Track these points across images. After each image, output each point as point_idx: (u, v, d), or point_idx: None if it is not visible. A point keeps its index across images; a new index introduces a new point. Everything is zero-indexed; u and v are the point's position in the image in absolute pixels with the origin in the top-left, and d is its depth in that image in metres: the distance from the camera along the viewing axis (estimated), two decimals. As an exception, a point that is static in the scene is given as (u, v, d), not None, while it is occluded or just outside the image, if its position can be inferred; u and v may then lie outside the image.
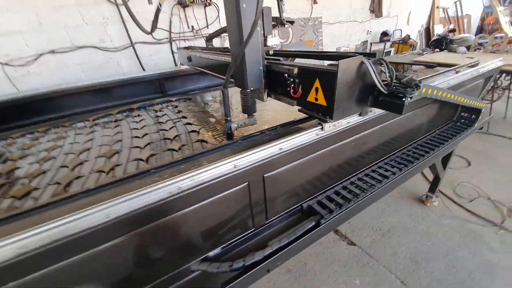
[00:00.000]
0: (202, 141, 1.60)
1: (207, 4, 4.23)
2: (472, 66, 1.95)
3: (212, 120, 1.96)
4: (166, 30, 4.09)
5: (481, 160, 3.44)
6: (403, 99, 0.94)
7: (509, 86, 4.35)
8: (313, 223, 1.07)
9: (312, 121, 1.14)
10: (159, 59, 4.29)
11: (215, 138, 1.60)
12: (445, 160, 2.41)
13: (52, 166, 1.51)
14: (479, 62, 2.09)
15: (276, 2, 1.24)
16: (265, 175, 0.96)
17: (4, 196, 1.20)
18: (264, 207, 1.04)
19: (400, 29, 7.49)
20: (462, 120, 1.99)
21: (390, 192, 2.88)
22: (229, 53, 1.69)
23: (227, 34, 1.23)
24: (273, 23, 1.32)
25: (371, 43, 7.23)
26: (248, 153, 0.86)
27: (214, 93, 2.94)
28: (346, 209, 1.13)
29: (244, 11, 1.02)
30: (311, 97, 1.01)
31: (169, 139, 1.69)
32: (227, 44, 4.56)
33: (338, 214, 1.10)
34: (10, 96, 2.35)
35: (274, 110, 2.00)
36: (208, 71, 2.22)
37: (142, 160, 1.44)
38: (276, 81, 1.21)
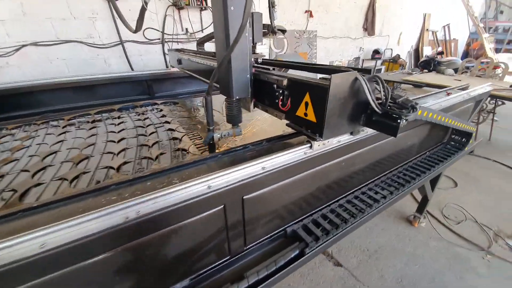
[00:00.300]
0: (183, 150, 1.48)
1: (203, 8, 4.18)
2: (463, 89, 1.94)
3: (198, 127, 1.84)
4: (158, 31, 3.99)
5: (467, 181, 3.46)
6: (398, 120, 0.86)
7: (493, 109, 4.49)
8: (297, 252, 0.96)
9: (301, 137, 1.05)
10: (149, 60, 4.16)
11: (197, 148, 1.48)
12: (434, 181, 2.38)
13: (12, 169, 1.34)
14: (469, 85, 2.10)
15: (268, 9, 1.17)
16: (244, 197, 0.84)
17: None
18: (242, 232, 0.92)
19: (391, 49, 7.72)
20: (453, 143, 1.97)
21: (378, 211, 2.86)
22: (218, 58, 1.59)
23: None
24: (264, 30, 1.24)
25: (363, 60, 7.39)
26: (225, 172, 0.75)
27: (202, 98, 2.83)
28: (334, 236, 1.03)
29: (232, 14, 0.93)
30: (300, 112, 0.92)
31: (147, 145, 1.56)
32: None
33: (325, 242, 1.00)
34: None
35: (263, 121, 1.91)
36: (196, 76, 2.12)
37: (113, 168, 1.30)
38: (264, 91, 1.12)
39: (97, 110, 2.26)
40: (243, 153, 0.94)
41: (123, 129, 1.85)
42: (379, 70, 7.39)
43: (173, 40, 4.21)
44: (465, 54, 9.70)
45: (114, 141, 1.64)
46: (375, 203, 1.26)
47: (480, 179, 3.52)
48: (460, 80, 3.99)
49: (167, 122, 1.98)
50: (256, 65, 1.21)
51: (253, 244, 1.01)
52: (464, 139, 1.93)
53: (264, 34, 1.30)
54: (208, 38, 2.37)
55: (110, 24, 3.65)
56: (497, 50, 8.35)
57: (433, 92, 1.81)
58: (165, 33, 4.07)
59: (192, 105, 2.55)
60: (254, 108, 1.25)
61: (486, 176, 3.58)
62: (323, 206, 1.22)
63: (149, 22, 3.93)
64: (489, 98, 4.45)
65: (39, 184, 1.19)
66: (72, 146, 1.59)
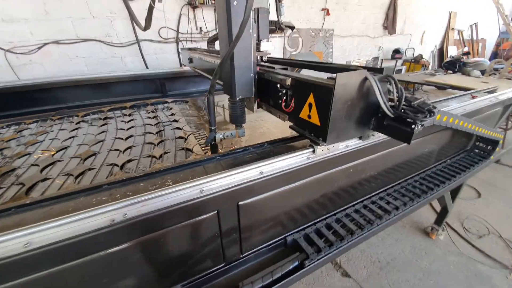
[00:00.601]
0: (187, 149, 1.46)
1: (218, 7, 4.18)
2: (490, 92, 1.77)
3: (206, 126, 1.82)
4: (173, 30, 4.04)
5: (491, 192, 3.20)
6: (413, 126, 0.78)
7: (525, 115, 4.13)
8: (296, 264, 0.90)
9: (305, 140, 0.98)
10: (164, 58, 4.22)
11: (202, 147, 1.46)
12: (455, 192, 2.21)
13: (23, 163, 1.39)
14: (497, 88, 1.92)
15: (275, 3, 1.11)
16: (240, 203, 0.80)
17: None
18: (238, 240, 0.87)
19: (413, 48, 7.36)
20: (477, 151, 1.81)
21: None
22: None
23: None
24: (272, 27, 1.19)
25: (382, 60, 7.09)
26: (219, 176, 0.71)
27: (215, 97, 2.81)
28: (337, 249, 0.96)
29: (235, 9, 0.89)
30: (303, 114, 0.86)
31: (153, 143, 1.56)
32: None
33: (327, 254, 0.93)
34: (4, 84, 2.27)
35: (271, 122, 1.85)
36: (206, 74, 2.10)
37: (117, 165, 1.31)
38: (269, 91, 1.06)
39: (110, 107, 2.31)
40: (243, 155, 0.90)
41: (132, 127, 1.87)
42: (399, 71, 7.06)
43: (187, 39, 4.25)
44: (494, 55, 9.05)
45: (122, 138, 1.65)
46: (386, 214, 1.17)
47: (506, 190, 3.24)
48: (487, 83, 3.70)
49: (175, 120, 1.98)
50: (261, 63, 1.16)
51: (250, 252, 0.96)
52: (489, 146, 1.76)
53: (272, 31, 1.25)
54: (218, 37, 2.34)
55: (127, 23, 3.74)
56: (531, 51, 7.73)
57: (456, 95, 1.67)
58: (180, 32, 4.11)
59: (201, 104, 2.54)
60: (258, 108, 1.20)
61: (512, 187, 3.30)
62: (328, 215, 1.14)
63: (164, 21, 3.99)
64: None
65: (46, 179, 1.21)
66: (82, 142, 1.63)
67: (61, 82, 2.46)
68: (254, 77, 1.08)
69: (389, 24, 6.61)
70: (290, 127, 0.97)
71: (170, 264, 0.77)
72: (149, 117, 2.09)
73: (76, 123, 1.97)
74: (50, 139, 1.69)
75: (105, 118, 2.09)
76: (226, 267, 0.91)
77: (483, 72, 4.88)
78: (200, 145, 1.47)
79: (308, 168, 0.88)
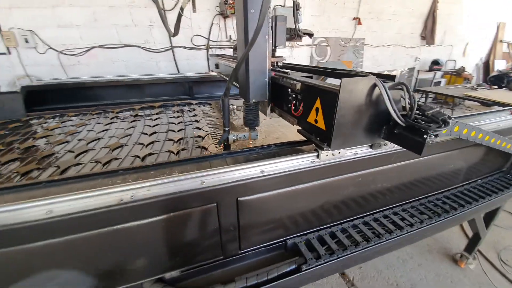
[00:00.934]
0: (203, 147, 1.54)
1: (248, 17, 4.34)
2: (537, 109, 1.59)
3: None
4: (204, 37, 4.28)
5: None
6: (425, 136, 0.74)
7: None
8: (293, 267, 0.89)
9: (311, 145, 0.99)
10: (194, 64, 4.48)
11: (216, 147, 1.52)
12: (490, 217, 1.99)
13: (61, 150, 1.57)
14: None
15: (292, 11, 1.14)
16: (239, 199, 0.83)
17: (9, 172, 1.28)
18: (237, 235, 0.89)
19: (454, 60, 6.85)
20: (515, 172, 1.62)
21: (413, 244, 2.51)
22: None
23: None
24: (290, 34, 1.22)
25: (418, 71, 6.69)
26: (220, 170, 0.75)
27: (236, 101, 2.91)
28: (338, 258, 0.93)
29: (252, 17, 0.94)
30: (311, 118, 0.87)
31: (173, 140, 1.67)
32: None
33: (326, 262, 0.91)
34: (55, 81, 2.61)
35: (287, 127, 1.87)
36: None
37: (139, 157, 1.42)
38: (282, 96, 1.09)
39: (141, 106, 2.51)
40: (249, 155, 0.93)
41: (157, 124, 2.01)
42: (438, 83, 6.61)
43: (217, 46, 4.47)
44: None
45: (147, 134, 1.79)
46: (398, 230, 1.10)
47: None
48: (539, 100, 3.31)
49: (196, 121, 2.09)
50: (277, 69, 1.20)
51: (249, 250, 0.97)
52: (532, 169, 1.57)
53: (291, 38, 1.28)
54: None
55: (164, 31, 4.05)
56: None
57: (492, 110, 1.53)
58: (210, 40, 4.35)
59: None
60: (271, 112, 1.23)
61: None
62: (334, 224, 1.11)
63: (197, 30, 4.26)
64: None
65: (78, 164, 1.36)
66: (113, 135, 1.79)
67: (102, 81, 2.75)
68: (268, 82, 1.11)
69: (428, 34, 6.25)
70: (298, 131, 0.99)
71: (171, 249, 0.83)
72: (173, 117, 2.23)
73: (111, 118, 2.18)
74: (87, 131, 1.89)
75: (136, 115, 2.28)
76: (224, 260, 0.93)
77: (535, 90, 4.37)
78: (215, 144, 1.54)
79: (312, 172, 0.88)
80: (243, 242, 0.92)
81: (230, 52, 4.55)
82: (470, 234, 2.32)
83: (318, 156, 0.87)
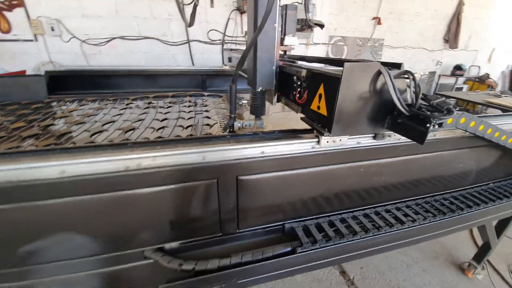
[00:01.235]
0: (210, 134, 1.58)
1: (265, 13, 4.36)
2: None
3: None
4: (220, 32, 4.33)
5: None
6: (427, 125, 0.74)
7: None
8: (288, 249, 0.91)
9: (314, 133, 0.99)
10: (209, 58, 4.55)
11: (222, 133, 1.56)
12: (502, 226, 1.91)
13: (77, 129, 1.67)
14: None
15: (303, 1, 1.16)
16: (239, 177, 0.85)
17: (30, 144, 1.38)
18: (235, 214, 0.92)
19: (479, 66, 6.53)
20: (532, 178, 1.55)
21: (420, 244, 2.44)
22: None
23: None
24: (301, 25, 1.23)
25: (439, 75, 6.44)
26: (221, 147, 0.78)
27: (246, 95, 2.94)
28: (334, 244, 0.93)
29: (262, 4, 0.96)
30: (314, 105, 0.88)
31: (181, 126, 1.72)
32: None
33: (322, 247, 0.91)
34: (76, 67, 2.75)
35: (296, 121, 1.87)
36: (242, 73, 2.22)
37: (149, 139, 1.48)
38: (288, 85, 1.10)
39: (155, 95, 2.60)
40: (252, 138, 0.96)
41: (168, 112, 2.08)
42: (460, 89, 6.34)
43: (232, 41, 4.51)
44: None
45: (158, 120, 1.86)
46: (398, 224, 1.09)
47: None
48: None
49: (206, 111, 2.14)
50: (284, 59, 1.21)
51: (246, 229, 1.00)
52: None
53: (302, 29, 1.29)
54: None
55: (181, 25, 4.15)
56: None
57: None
58: (226, 35, 4.40)
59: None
60: (277, 102, 1.25)
61: None
62: (333, 213, 1.12)
63: (214, 24, 4.32)
64: None
65: (92, 142, 1.44)
66: (127, 119, 1.88)
67: (121, 71, 2.88)
68: (276, 70, 1.13)
69: (451, 37, 6.00)
70: (301, 118, 1.00)
71: (172, 220, 0.87)
72: (185, 106, 2.29)
73: (126, 104, 2.28)
74: (103, 114, 1.98)
75: (149, 103, 2.36)
76: (222, 237, 0.97)
77: None
78: (221, 131, 1.58)
79: (312, 158, 0.90)
80: (242, 221, 0.95)
81: (244, 47, 4.60)
82: (480, 243, 2.23)
83: (318, 142, 0.88)
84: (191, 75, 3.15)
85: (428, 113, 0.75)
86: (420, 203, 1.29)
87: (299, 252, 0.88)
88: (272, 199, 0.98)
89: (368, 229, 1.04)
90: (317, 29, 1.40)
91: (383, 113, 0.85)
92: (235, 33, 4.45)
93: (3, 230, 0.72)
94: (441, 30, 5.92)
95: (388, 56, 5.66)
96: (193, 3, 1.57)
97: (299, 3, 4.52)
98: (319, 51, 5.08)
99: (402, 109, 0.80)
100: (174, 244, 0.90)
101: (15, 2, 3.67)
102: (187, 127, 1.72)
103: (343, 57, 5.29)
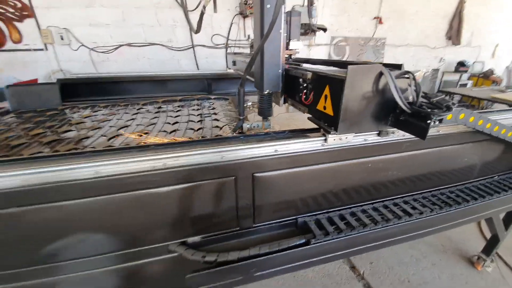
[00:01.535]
0: (219, 136, 1.65)
1: (267, 16, 4.44)
2: None
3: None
4: (224, 37, 4.43)
5: None
6: (428, 121, 0.79)
7: None
8: (303, 241, 0.97)
9: (320, 132, 1.06)
10: (213, 62, 4.65)
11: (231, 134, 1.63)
12: (509, 218, 1.93)
13: (95, 134, 1.76)
14: None
15: (307, 6, 1.22)
16: (255, 175, 0.92)
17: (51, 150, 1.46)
18: (252, 209, 0.99)
19: (482, 62, 6.50)
20: (535, 170, 1.58)
21: (428, 239, 2.46)
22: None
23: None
24: (304, 29, 1.30)
25: (443, 72, 6.43)
26: (238, 147, 0.85)
27: (251, 97, 3.01)
28: (346, 236, 0.99)
29: (268, 12, 1.02)
30: (320, 105, 0.94)
31: (193, 129, 1.79)
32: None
33: (334, 239, 0.97)
34: (87, 75, 2.86)
35: (302, 121, 1.93)
36: (248, 77, 2.29)
37: (171, 142, 1.56)
38: (294, 87, 1.17)
39: (164, 100, 2.69)
40: (264, 137, 1.02)
41: (178, 115, 2.16)
42: (464, 85, 6.32)
43: (236, 45, 4.60)
44: None
45: (169, 123, 1.94)
46: (406, 216, 1.14)
47: None
48: None
49: (214, 113, 2.21)
50: (290, 62, 1.27)
51: (262, 224, 1.06)
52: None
53: (305, 33, 1.36)
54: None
55: (186, 31, 4.26)
56: None
57: (514, 107, 1.51)
58: (229, 39, 4.48)
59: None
60: (284, 103, 1.31)
61: None
62: (343, 207, 1.17)
63: (217, 29, 4.42)
64: None
65: (110, 146, 1.52)
66: (139, 123, 1.96)
67: (129, 77, 2.98)
68: (282, 73, 1.19)
69: (453, 34, 5.99)
70: (308, 118, 1.06)
71: (194, 216, 0.94)
72: (193, 109, 2.38)
73: (137, 109, 2.37)
74: (116, 119, 2.07)
75: (159, 108, 2.45)
76: (240, 231, 1.03)
77: None
78: (231, 133, 1.65)
79: (320, 155, 0.96)
80: (257, 216, 1.01)
81: (247, 51, 4.68)
82: (489, 236, 2.25)
83: (326, 140, 0.94)
84: (197, 79, 3.24)
85: (429, 110, 0.81)
86: (426, 196, 1.34)
87: (313, 244, 0.94)
88: (285, 195, 1.04)
89: (377, 221, 1.09)
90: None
91: (386, 111, 0.91)
92: (238, 37, 4.54)
93: (45, 227, 0.79)
94: (443, 28, 5.93)
95: (390, 55, 5.68)
96: (200, 11, 1.64)
97: (300, 6, 4.60)
98: (322, 52, 5.14)
99: (404, 107, 0.85)
100: (196, 238, 0.96)
101: (25, 13, 3.81)
102: (197, 129, 1.80)
103: (345, 57, 5.33)
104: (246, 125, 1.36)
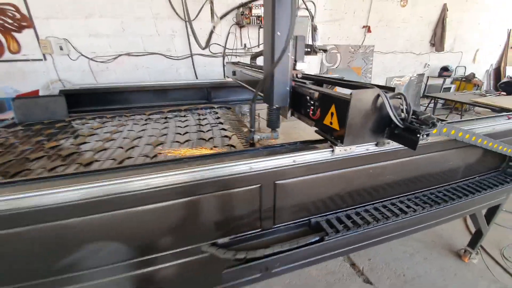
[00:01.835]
0: (231, 145, 1.78)
1: (262, 26, 4.63)
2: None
3: (245, 129, 2.14)
4: (221, 46, 4.58)
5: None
6: (418, 135, 0.96)
7: None
8: (317, 238, 1.12)
9: (328, 143, 1.22)
10: (211, 71, 4.78)
11: (243, 145, 1.76)
12: (490, 214, 2.15)
13: (111, 145, 1.85)
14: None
15: (311, 32, 1.39)
16: (276, 182, 1.07)
17: (72, 162, 1.55)
18: (272, 212, 1.14)
19: (464, 66, 6.91)
20: (509, 170, 1.79)
21: (419, 236, 2.65)
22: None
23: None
24: (307, 49, 1.46)
25: (428, 77, 6.80)
26: (264, 159, 1.00)
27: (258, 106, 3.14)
28: (353, 233, 1.15)
29: (278, 38, 1.18)
30: (327, 120, 1.10)
31: (204, 139, 1.92)
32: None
33: (344, 235, 1.13)
34: (89, 85, 2.95)
35: (303, 130, 2.10)
36: (247, 86, 2.44)
37: (164, 154, 1.68)
38: (300, 102, 1.33)
39: (169, 109, 2.80)
40: (280, 149, 1.17)
41: (187, 125, 2.28)
42: (448, 89, 6.71)
43: (232, 54, 4.76)
44: None
45: (180, 134, 2.06)
46: (402, 214, 1.32)
47: None
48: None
49: (220, 123, 2.34)
50: (296, 79, 1.43)
51: (280, 224, 1.22)
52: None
53: (307, 53, 1.52)
54: (260, 54, 2.71)
55: (184, 40, 4.38)
56: None
57: (491, 116, 1.72)
58: (226, 48, 4.64)
59: (241, 111, 2.91)
60: (291, 116, 1.46)
61: None
62: (349, 208, 1.34)
63: (215, 39, 4.56)
64: None
65: (130, 157, 1.63)
66: (151, 134, 2.06)
67: (132, 87, 3.07)
68: (289, 90, 1.35)
69: (437, 41, 6.37)
70: (315, 131, 1.22)
71: (224, 220, 1.09)
72: (199, 119, 2.50)
73: (145, 120, 2.47)
74: (128, 130, 2.17)
75: (166, 118, 2.56)
76: (261, 232, 1.18)
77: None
78: (241, 143, 1.79)
79: (330, 164, 1.11)
80: (277, 218, 1.17)
81: (244, 59, 4.84)
82: (473, 231, 2.47)
83: (333, 151, 1.10)
84: (197, 88, 3.36)
85: (418, 125, 0.98)
86: (418, 196, 1.52)
87: (326, 240, 1.10)
88: (300, 199, 1.19)
89: (379, 219, 1.26)
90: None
91: (383, 126, 1.07)
92: (235, 46, 4.70)
93: (107, 233, 0.92)
94: (427, 35, 6.30)
95: (378, 61, 5.99)
96: (210, 30, 1.78)
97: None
98: (315, 60, 5.37)
99: (397, 123, 1.02)
100: (225, 239, 1.11)
101: (24, 24, 3.83)
102: (208, 139, 1.92)
103: (337, 64, 5.57)
104: (257, 136, 1.50)
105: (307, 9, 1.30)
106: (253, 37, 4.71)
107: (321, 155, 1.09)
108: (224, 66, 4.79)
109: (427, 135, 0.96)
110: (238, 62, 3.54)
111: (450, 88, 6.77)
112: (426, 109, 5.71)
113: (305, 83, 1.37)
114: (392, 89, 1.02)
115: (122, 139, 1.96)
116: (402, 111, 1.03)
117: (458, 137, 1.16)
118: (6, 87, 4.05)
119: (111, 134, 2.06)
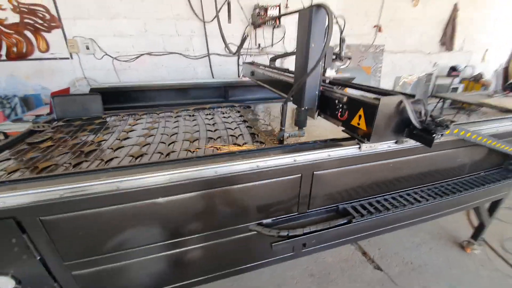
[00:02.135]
0: (260, 142, 1.98)
1: (276, 26, 4.79)
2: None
3: (268, 127, 2.34)
4: (236, 45, 4.73)
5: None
6: (433, 135, 1.16)
7: None
8: (345, 221, 1.36)
9: (353, 140, 1.43)
10: (226, 69, 4.97)
11: (273, 141, 1.96)
12: (493, 207, 2.34)
13: (153, 140, 2.05)
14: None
15: (339, 42, 1.59)
16: (314, 173, 1.29)
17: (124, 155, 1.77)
18: (308, 199, 1.37)
19: (473, 66, 6.97)
20: (511, 167, 1.99)
21: (426, 228, 2.85)
22: (288, 74, 2.11)
23: (288, 57, 1.58)
24: (334, 57, 1.65)
25: (436, 76, 6.87)
26: (305, 153, 1.22)
27: (268, 104, 3.33)
28: (376, 217, 1.38)
29: (312, 49, 1.36)
30: (354, 122, 1.30)
31: (234, 136, 2.12)
32: (285, 65, 5.02)
33: (367, 219, 1.37)
34: (117, 84, 3.18)
35: (323, 128, 2.29)
36: (267, 86, 2.62)
37: (217, 148, 1.89)
38: (327, 104, 1.52)
39: (194, 108, 3.01)
40: (313, 145, 1.38)
41: (215, 123, 2.48)
42: (455, 89, 6.78)
43: (247, 53, 4.93)
44: None
45: (211, 130, 2.26)
46: (417, 203, 1.54)
47: None
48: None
49: (245, 121, 2.54)
50: (324, 84, 1.63)
51: (313, 209, 1.46)
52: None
53: (335, 60, 1.71)
54: (281, 56, 2.90)
55: (202, 40, 4.57)
56: None
57: (495, 118, 1.90)
58: (241, 47, 4.81)
59: (260, 108, 3.11)
60: (318, 117, 1.67)
61: None
62: (371, 197, 1.58)
63: (230, 38, 4.72)
64: None
65: (173, 152, 1.83)
66: (184, 130, 2.27)
67: (156, 85, 3.30)
68: (318, 94, 1.55)
69: (447, 40, 6.44)
70: (343, 130, 1.42)
71: (268, 204, 1.31)
72: (224, 117, 2.70)
73: (175, 117, 2.68)
74: (162, 127, 2.38)
75: (193, 115, 2.77)
76: (298, 215, 1.42)
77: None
78: (271, 140, 1.99)
79: (356, 158, 1.33)
80: (311, 204, 1.40)
81: (256, 59, 5.00)
82: (476, 225, 2.66)
83: (360, 147, 1.31)
84: (215, 87, 3.57)
85: (434, 126, 1.18)
86: (431, 188, 1.74)
87: (353, 222, 1.33)
88: (330, 188, 1.42)
89: (397, 206, 1.50)
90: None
91: (403, 126, 1.27)
92: (250, 46, 4.87)
93: (168, 214, 1.15)
94: (437, 34, 6.36)
95: (388, 60, 6.10)
96: (243, 37, 1.98)
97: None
98: (326, 59, 5.50)
99: (417, 125, 1.22)
100: (269, 220, 1.34)
101: (53, 24, 4.05)
102: (238, 136, 2.13)
103: (347, 64, 5.70)
104: (286, 134, 1.71)
105: (338, 25, 1.48)
106: (267, 36, 4.87)
107: (350, 151, 1.30)
108: (238, 65, 4.99)
109: (442, 135, 1.16)
110: (253, 61, 3.72)
111: (458, 88, 6.85)
112: (434, 109, 5.83)
113: (332, 87, 1.57)
114: (412, 96, 1.21)
115: (160, 135, 2.17)
116: (420, 114, 1.23)
117: (466, 137, 1.35)
118: (36, 84, 4.30)
119: (149, 130, 2.27)
